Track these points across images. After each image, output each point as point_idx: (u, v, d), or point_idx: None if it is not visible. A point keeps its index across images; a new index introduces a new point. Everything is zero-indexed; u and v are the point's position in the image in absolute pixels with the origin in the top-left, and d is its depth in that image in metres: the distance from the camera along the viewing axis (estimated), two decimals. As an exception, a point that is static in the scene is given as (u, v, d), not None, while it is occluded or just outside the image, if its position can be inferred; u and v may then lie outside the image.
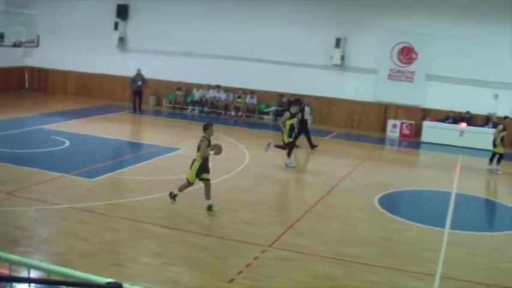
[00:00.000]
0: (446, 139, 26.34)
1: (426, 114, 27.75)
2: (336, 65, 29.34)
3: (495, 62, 27.32)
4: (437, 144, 25.74)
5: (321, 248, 11.50)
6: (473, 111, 27.55)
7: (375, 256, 11.29)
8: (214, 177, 16.32)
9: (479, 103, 27.54)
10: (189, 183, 13.53)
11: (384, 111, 29.16)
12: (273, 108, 30.35)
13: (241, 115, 30.60)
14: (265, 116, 30.69)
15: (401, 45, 29.04)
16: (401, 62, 29.15)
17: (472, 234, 13.35)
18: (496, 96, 27.65)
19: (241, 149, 21.27)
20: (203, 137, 13.42)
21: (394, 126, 28.38)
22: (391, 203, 15.98)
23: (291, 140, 18.98)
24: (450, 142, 26.07)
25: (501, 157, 20.96)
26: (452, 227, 13.56)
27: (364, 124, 29.16)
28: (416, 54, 28.89)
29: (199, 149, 13.37)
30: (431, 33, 28.08)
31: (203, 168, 13.39)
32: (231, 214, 13.29)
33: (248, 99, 30.71)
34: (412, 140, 27.52)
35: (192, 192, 13.88)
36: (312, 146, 22.49)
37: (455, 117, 27.59)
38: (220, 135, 23.96)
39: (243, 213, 13.39)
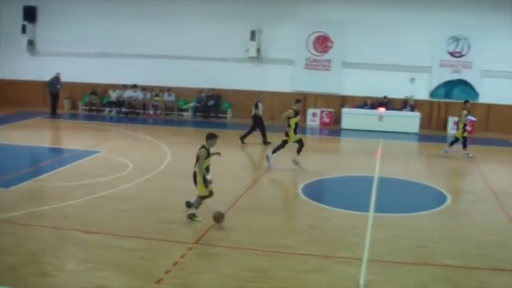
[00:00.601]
0: (365, 125, 27.01)
1: (345, 101, 28.31)
2: (252, 58, 29.54)
3: (410, 46, 28.16)
4: (358, 130, 26.33)
5: (248, 240, 11.53)
6: (390, 95, 28.31)
7: (302, 245, 11.41)
8: (135, 177, 16.21)
9: (396, 87, 28.39)
10: (205, 197, 12.80)
11: (303, 100, 29.48)
12: (191, 105, 30.27)
13: (160, 113, 30.38)
14: (184, 113, 30.57)
15: (316, 35, 29.51)
16: (317, 51, 29.61)
17: (396, 216, 13.69)
18: (412, 80, 28.50)
19: (162, 148, 21.08)
20: (203, 146, 12.64)
21: (314, 115, 28.84)
22: (316, 191, 16.21)
23: (298, 137, 18.81)
24: (370, 127, 26.73)
25: (465, 140, 21.57)
26: (377, 210, 13.87)
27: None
28: (331, 42, 29.41)
29: (198, 159, 12.63)
30: (344, 20, 28.66)
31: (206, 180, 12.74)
32: (155, 214, 13.15)
33: (166, 97, 30.52)
34: (333, 127, 28.05)
35: (114, 194, 13.67)
36: (265, 142, 22.56)
37: (374, 103, 28.28)
38: (140, 136, 23.76)
39: (167, 212, 13.26)
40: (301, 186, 16.00)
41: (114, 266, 10.04)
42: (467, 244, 12.01)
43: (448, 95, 29.18)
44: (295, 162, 18.48)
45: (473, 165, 20.48)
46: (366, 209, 13.97)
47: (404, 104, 28.53)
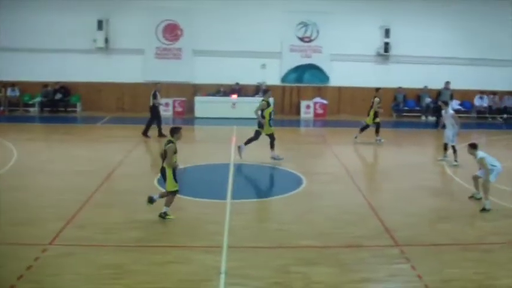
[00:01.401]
0: (219, 112, 27.20)
1: (197, 89, 28.30)
2: (100, 48, 28.78)
3: (260, 33, 28.63)
4: (211, 118, 26.42)
5: (104, 237, 11.21)
6: (242, 82, 28.65)
7: (160, 237, 11.28)
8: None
9: (248, 73, 28.74)
10: (174, 192, 12.43)
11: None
12: (37, 100, 28.99)
13: (3, 110, 28.85)
14: (30, 109, 29.23)
15: (165, 23, 29.26)
16: (167, 39, 29.37)
17: (254, 201, 13.91)
18: (263, 66, 29.00)
19: (6, 146, 19.99)
20: (170, 141, 12.29)
21: (167, 104, 28.57)
22: (172, 182, 16.06)
23: (272, 130, 18.45)
24: (223, 115, 26.94)
25: (378, 126, 22.10)
26: (234, 197, 13.99)
27: (136, 106, 29.00)
28: (181, 30, 29.29)
29: (165, 155, 12.19)
30: (193, 7, 28.75)
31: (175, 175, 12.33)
32: (4, 216, 12.41)
33: (9, 92, 29.00)
34: (186, 116, 27.97)
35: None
36: (161, 134, 22.12)
37: (226, 90, 28.48)
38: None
39: (18, 214, 12.57)
40: (157, 178, 15.79)
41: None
42: (324, 224, 12.41)
43: (299, 79, 30.04)
44: (276, 158, 18.32)
45: (327, 148, 21.23)
46: (223, 196, 14.04)
47: (257, 90, 29.00)
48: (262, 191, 14.58)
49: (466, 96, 30.46)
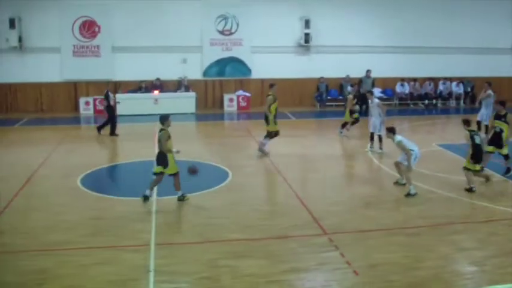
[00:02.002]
0: (141, 109, 26.93)
1: (118, 86, 27.89)
2: (14, 48, 27.98)
3: (180, 27, 28.50)
4: (134, 115, 26.13)
5: (26, 242, 10.92)
6: (164, 77, 28.45)
7: (85, 239, 11.06)
8: None
9: (169, 69, 28.56)
10: (176, 175, 13.49)
11: (74, 89, 28.68)
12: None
13: None
14: None
15: (82, 20, 28.70)
16: (84, 36, 28.82)
17: (180, 197, 13.81)
18: (184, 60, 28.88)
19: None
20: (161, 129, 13.38)
21: (87, 103, 28.11)
22: (95, 181, 15.79)
23: (276, 128, 18.54)
24: (146, 111, 26.66)
25: (356, 121, 22.29)
26: (160, 194, 13.88)
27: (55, 106, 28.47)
28: (98, 27, 28.79)
29: (159, 142, 13.37)
30: (109, 3, 28.18)
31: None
32: None
33: None
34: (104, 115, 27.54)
35: None
36: (113, 133, 22.18)
37: (148, 86, 28.22)
38: None
39: None
40: (80, 178, 15.53)
41: None
42: (252, 216, 12.50)
43: (221, 73, 30.05)
44: (263, 152, 18.66)
45: (252, 140, 21.30)
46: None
47: (179, 85, 28.86)
48: (188, 187, 14.47)
49: (387, 84, 31.22)
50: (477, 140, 14.44)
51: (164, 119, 13.61)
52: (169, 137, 13.37)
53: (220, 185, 15.04)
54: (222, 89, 30.00)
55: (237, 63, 30.08)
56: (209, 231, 11.55)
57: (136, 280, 9.25)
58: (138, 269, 9.61)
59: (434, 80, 31.66)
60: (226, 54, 30.00)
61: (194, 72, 29.47)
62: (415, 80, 31.32)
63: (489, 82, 21.87)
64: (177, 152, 13.51)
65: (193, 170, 13.56)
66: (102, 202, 13.58)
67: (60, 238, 11.12)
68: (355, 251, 10.46)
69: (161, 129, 13.43)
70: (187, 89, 28.72)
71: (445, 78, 31.45)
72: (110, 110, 22.61)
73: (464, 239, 11.21)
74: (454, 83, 31.68)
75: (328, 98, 30.84)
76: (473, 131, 14.82)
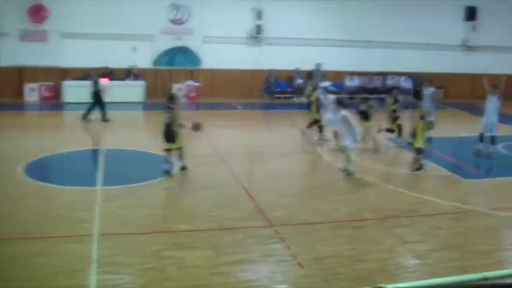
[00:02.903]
0: (89, 97, 26.37)
1: (65, 73, 27.39)
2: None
3: (131, 15, 28.11)
4: (81, 103, 25.61)
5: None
6: (113, 65, 28.02)
7: (23, 229, 10.73)
8: None
9: (119, 57, 28.15)
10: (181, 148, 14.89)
11: (19, 74, 27.98)
12: None
13: None
14: None
15: (30, 3, 27.99)
16: (32, 21, 28.13)
17: (126, 187, 13.59)
18: (134, 49, 28.53)
19: None
20: (171, 108, 14.58)
21: (33, 89, 27.50)
22: (40, 170, 15.39)
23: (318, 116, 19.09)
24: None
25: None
26: (106, 183, 13.66)
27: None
28: (47, 11, 28.14)
29: (172, 121, 14.44)
30: (58, -13, 27.64)
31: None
32: None
33: None
34: (54, 101, 27.02)
35: None
36: (105, 119, 21.93)
37: (96, 74, 27.71)
38: None
39: None
40: (22, 167, 15.15)
41: None
42: (198, 207, 12.38)
43: (171, 62, 29.80)
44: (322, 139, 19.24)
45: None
46: (93, 183, 13.68)
47: (128, 74, 28.49)
48: (134, 177, 14.28)
49: (337, 77, 31.38)
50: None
51: (175, 98, 14.99)
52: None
53: (166, 175, 14.87)
54: (171, 78, 29.71)
55: (187, 52, 29.85)
56: (154, 221, 11.41)
57: (79, 271, 9.01)
58: (80, 260, 9.36)
59: (384, 75, 32.03)
60: (177, 44, 29.75)
61: (144, 61, 29.16)
62: (364, 74, 31.62)
63: (430, 79, 22.11)
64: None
65: (196, 127, 14.96)
66: (45, 191, 13.27)
67: (-1, 229, 10.80)
68: (301, 244, 10.45)
69: (171, 108, 14.54)
70: (136, 78, 28.39)
71: (394, 73, 31.81)
72: (98, 96, 22.35)
73: (409, 232, 11.32)
74: (402, 78, 32.09)
75: (278, 90, 30.87)
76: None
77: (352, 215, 12.25)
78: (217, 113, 25.62)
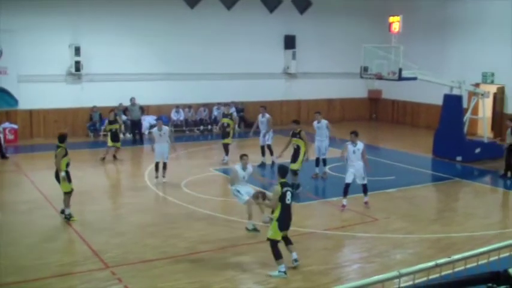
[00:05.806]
0: None
1: None
2: None
3: None
4: None
5: None
6: None
7: None
8: None
9: None
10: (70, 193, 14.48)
11: None
12: None
13: None
14: None
15: None
16: None
17: None
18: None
19: None
20: (57, 146, 14.53)
21: None
22: None
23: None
24: None
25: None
26: None
27: None
28: None
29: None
30: None
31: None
32: None
33: None
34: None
35: None
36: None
37: None
38: None
39: None
40: None
41: None
42: (28, 256, 11.83)
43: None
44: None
45: (22, 175, 20.28)
46: None
47: None
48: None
49: (162, 111, 31.37)
50: None
51: (64, 137, 14.71)
52: (65, 154, 14.45)
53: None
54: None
55: (3, 93, 28.38)
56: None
57: None
58: None
59: (209, 106, 32.54)
60: (-9, 85, 28.27)
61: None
62: (190, 106, 31.93)
63: (264, 106, 23.11)
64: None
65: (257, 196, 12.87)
66: None
67: None
68: (139, 282, 10.35)
69: (58, 146, 14.47)
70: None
71: (219, 104, 32.40)
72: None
73: (248, 260, 11.53)
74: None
75: (102, 127, 30.22)
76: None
77: (189, 249, 12.31)
78: (39, 155, 24.59)
